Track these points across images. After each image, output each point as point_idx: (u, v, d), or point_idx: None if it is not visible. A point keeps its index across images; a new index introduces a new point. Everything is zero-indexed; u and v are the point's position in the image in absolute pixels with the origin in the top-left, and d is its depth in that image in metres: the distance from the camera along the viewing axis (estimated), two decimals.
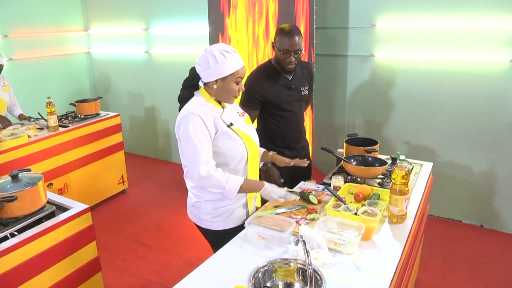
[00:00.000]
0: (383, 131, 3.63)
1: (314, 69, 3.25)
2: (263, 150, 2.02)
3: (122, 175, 4.11)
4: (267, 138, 2.39)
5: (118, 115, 3.97)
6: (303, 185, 2.21)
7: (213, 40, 3.52)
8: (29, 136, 3.21)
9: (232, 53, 1.67)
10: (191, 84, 1.77)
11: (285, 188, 1.82)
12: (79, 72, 5.25)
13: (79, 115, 3.81)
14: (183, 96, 1.79)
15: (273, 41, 2.25)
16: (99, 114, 3.91)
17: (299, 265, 1.43)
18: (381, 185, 2.12)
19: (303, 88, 2.40)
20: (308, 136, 3.25)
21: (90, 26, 5.19)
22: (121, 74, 5.14)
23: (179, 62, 4.42)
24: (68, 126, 3.55)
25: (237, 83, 1.71)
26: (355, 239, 1.53)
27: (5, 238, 1.81)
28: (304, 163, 1.98)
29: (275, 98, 2.28)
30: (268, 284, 1.41)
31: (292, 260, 1.45)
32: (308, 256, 1.17)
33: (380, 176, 2.19)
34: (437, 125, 3.37)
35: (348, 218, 1.69)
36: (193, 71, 1.77)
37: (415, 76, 3.37)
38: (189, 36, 4.35)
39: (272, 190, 1.77)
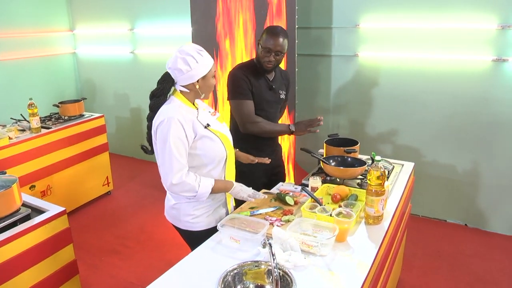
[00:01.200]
0: (367, 131, 3.63)
1: (296, 69, 3.25)
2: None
3: (107, 177, 4.07)
4: (239, 139, 2.33)
5: (103, 116, 3.94)
6: (281, 186, 2.20)
7: (197, 39, 3.50)
8: (10, 138, 3.17)
9: (204, 50, 1.69)
10: (162, 93, 1.72)
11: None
12: (64, 73, 5.19)
13: (63, 117, 3.77)
14: (154, 104, 1.72)
15: (259, 38, 2.25)
16: (83, 115, 3.87)
17: (270, 267, 1.41)
18: (360, 185, 2.12)
19: (281, 92, 2.42)
20: (290, 136, 3.26)
21: (76, 26, 5.14)
22: (107, 75, 5.09)
23: (164, 62, 4.37)
24: (51, 128, 3.51)
25: (214, 77, 1.74)
26: (327, 241, 1.52)
27: None
28: (266, 161, 2.03)
29: (258, 93, 2.27)
30: (239, 287, 1.40)
31: (263, 262, 1.44)
32: (273, 258, 1.15)
33: (360, 177, 2.19)
34: (421, 125, 3.38)
35: (322, 220, 1.68)
36: (163, 81, 1.73)
37: (398, 76, 3.37)
38: (174, 36, 4.32)
39: (241, 189, 1.80)
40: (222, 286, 1.33)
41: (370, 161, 2.39)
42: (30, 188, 3.33)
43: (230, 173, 1.88)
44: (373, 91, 3.51)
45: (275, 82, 2.35)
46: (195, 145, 1.69)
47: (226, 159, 1.79)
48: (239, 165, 2.03)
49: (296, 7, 3.03)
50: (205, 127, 1.71)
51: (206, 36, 3.46)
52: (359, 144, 2.42)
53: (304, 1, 3.53)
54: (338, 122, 3.77)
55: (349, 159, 2.24)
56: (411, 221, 3.44)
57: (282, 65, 3.10)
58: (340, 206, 1.82)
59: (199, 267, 1.50)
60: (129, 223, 3.57)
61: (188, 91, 1.72)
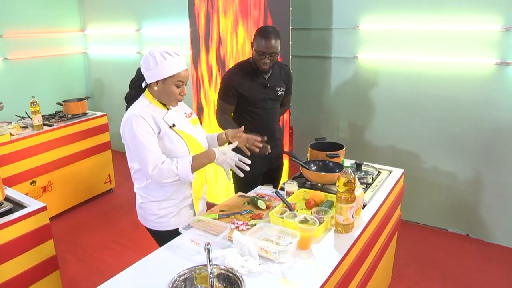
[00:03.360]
0: (366, 135, 3.54)
1: (292, 71, 3.19)
2: (217, 134, 1.97)
3: (109, 174, 4.14)
4: None
5: (105, 115, 4.01)
6: (259, 190, 2.18)
7: (194, 40, 3.51)
8: (11, 135, 3.27)
9: (173, 56, 1.66)
10: (136, 85, 1.78)
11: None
12: (75, 72, 5.33)
13: (66, 115, 3.86)
14: (129, 96, 1.82)
15: (252, 40, 2.30)
16: (86, 113, 3.96)
17: (221, 271, 1.40)
18: None
19: (279, 88, 2.45)
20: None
21: (87, 26, 5.26)
22: (115, 74, 5.19)
23: None
24: (53, 125, 3.61)
25: (178, 86, 1.69)
26: (285, 248, 1.48)
27: None
28: (258, 138, 1.89)
29: (249, 94, 2.35)
30: None
31: (215, 266, 1.42)
32: (210, 264, 1.13)
33: None
34: (421, 129, 3.27)
35: (288, 226, 1.64)
36: (138, 71, 1.78)
37: (398, 79, 3.27)
38: (178, 37, 4.35)
39: (224, 159, 1.74)
40: None
41: (354, 167, 2.34)
42: (31, 184, 3.43)
43: (198, 173, 1.83)
44: (372, 94, 3.42)
45: (271, 79, 2.41)
46: (158, 143, 1.70)
47: None
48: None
49: (291, 8, 2.98)
50: (170, 127, 1.71)
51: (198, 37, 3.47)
52: (344, 148, 2.36)
53: (303, 2, 3.49)
54: (338, 125, 3.69)
55: (330, 164, 2.19)
56: (408, 229, 3.34)
57: None
58: (311, 213, 1.78)
59: (155, 269, 1.49)
60: (125, 220, 3.62)
61: (151, 91, 1.73)
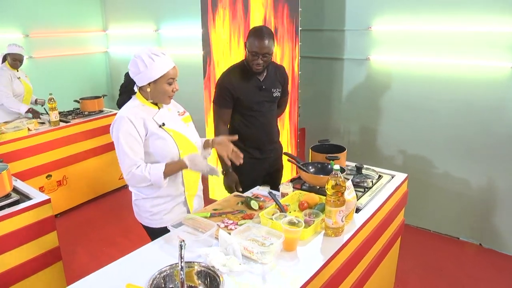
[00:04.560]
0: (377, 138, 3.47)
1: (301, 72, 3.18)
2: (204, 139, 1.99)
3: None
4: (238, 138, 2.38)
5: None
6: (255, 190, 2.18)
7: (206, 41, 3.55)
8: (29, 130, 3.41)
9: (160, 56, 1.69)
10: (127, 89, 1.81)
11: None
12: (97, 71, 5.51)
13: (83, 112, 3.99)
14: (121, 102, 1.85)
15: (245, 40, 2.25)
16: (102, 111, 4.08)
17: (202, 268, 1.41)
18: None
19: (275, 90, 2.39)
20: (286, 138, 3.21)
21: (109, 26, 5.42)
22: None
23: (186, 62, 4.50)
24: (69, 122, 3.74)
25: (170, 84, 1.73)
26: (267, 248, 1.48)
27: None
28: (217, 173, 1.81)
29: (245, 97, 2.29)
30: (171, 285, 1.40)
31: (196, 263, 1.44)
32: (181, 260, 1.15)
33: None
34: (433, 134, 3.18)
35: (276, 227, 1.64)
36: (127, 76, 1.82)
37: (410, 82, 3.19)
38: (195, 37, 4.41)
39: (197, 168, 1.73)
40: (152, 286, 1.34)
41: (354, 170, 2.30)
42: (46, 177, 3.56)
43: (188, 171, 1.84)
44: (384, 96, 3.35)
45: (267, 81, 2.34)
46: (147, 143, 1.74)
47: (179, 157, 1.79)
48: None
49: (300, 9, 2.96)
50: (159, 126, 1.74)
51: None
52: (345, 151, 2.33)
53: (316, 3, 3.46)
54: (349, 128, 3.64)
55: (329, 166, 2.16)
56: (417, 235, 3.26)
57: (287, 67, 3.08)
58: (304, 215, 1.77)
59: (138, 265, 1.52)
60: (135, 217, 3.69)
61: (144, 92, 1.75)
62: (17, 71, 3.78)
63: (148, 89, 1.72)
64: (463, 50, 2.91)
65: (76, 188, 3.82)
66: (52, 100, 3.53)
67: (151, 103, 1.78)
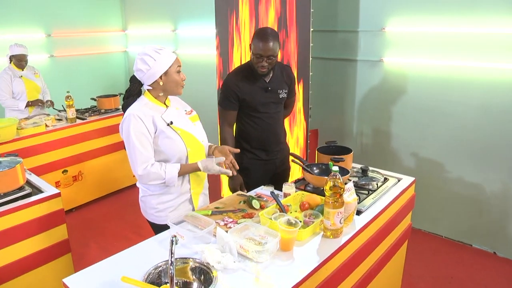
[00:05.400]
0: (390, 141, 3.42)
1: (313, 73, 3.16)
2: (210, 144, 2.03)
3: None
4: (242, 139, 2.41)
5: None
6: (259, 190, 2.19)
7: (223, 41, 3.58)
8: (46, 126, 3.53)
9: (163, 49, 1.76)
10: (134, 93, 1.86)
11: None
12: (116, 70, 5.64)
13: (100, 110, 4.10)
14: (126, 106, 1.86)
15: (250, 42, 2.25)
16: (118, 109, 4.17)
17: (196, 264, 1.43)
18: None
19: (281, 91, 2.38)
20: (292, 140, 3.20)
21: (128, 26, 5.54)
22: None
23: (202, 62, 4.57)
24: (85, 119, 3.84)
25: (178, 72, 1.79)
26: (262, 247, 1.48)
27: None
28: (229, 173, 1.88)
29: (251, 98, 2.29)
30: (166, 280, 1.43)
31: (191, 260, 1.46)
32: (172, 256, 1.17)
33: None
34: (447, 137, 3.10)
35: (273, 227, 1.64)
36: (133, 80, 1.86)
37: (425, 84, 3.13)
38: (211, 37, 4.46)
39: (209, 171, 1.83)
40: (147, 280, 1.36)
41: (360, 172, 2.28)
42: (62, 172, 3.67)
43: None
44: (397, 98, 3.30)
45: (273, 82, 2.33)
46: (156, 141, 1.77)
47: (187, 156, 1.82)
48: (241, 163, 2.07)
49: (312, 10, 2.95)
50: (168, 125, 1.77)
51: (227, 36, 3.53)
52: (352, 153, 2.31)
53: (330, 4, 3.44)
54: (362, 130, 3.60)
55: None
56: (428, 241, 3.20)
57: (294, 68, 3.08)
58: (304, 216, 1.76)
59: (136, 260, 1.55)
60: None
61: (156, 89, 1.79)
62: (22, 70, 3.84)
63: (161, 83, 1.76)
64: (480, 52, 2.83)
65: (91, 184, 3.92)
66: (69, 97, 3.64)
67: (159, 101, 1.81)
